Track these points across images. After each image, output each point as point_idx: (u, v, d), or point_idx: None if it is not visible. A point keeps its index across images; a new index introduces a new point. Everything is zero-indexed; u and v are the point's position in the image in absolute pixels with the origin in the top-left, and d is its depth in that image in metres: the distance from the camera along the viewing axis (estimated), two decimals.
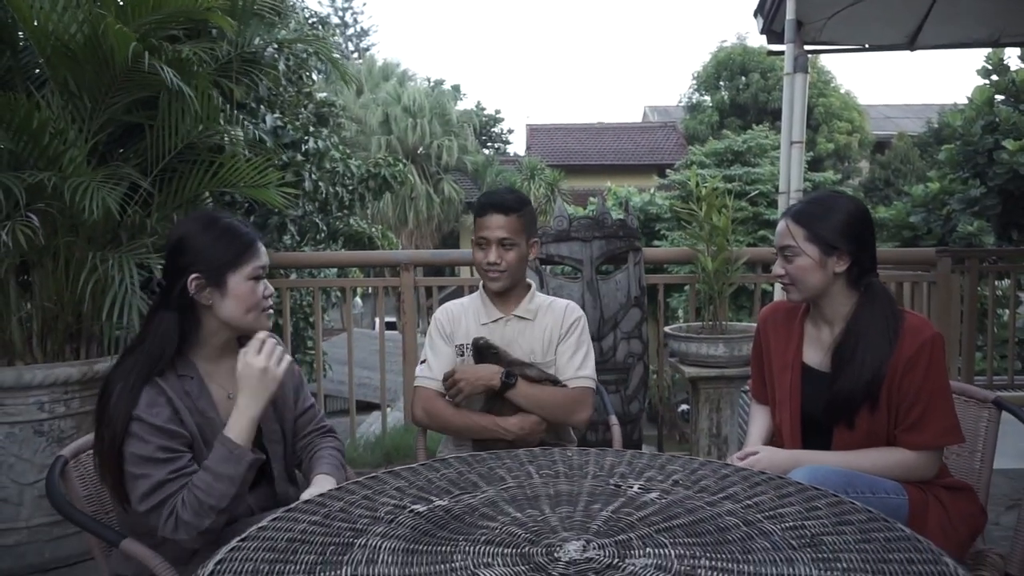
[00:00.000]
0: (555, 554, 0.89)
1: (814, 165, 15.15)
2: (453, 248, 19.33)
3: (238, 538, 0.96)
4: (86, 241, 2.69)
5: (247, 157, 3.08)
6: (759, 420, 1.79)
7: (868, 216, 1.60)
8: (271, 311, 1.50)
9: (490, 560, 0.88)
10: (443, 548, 0.92)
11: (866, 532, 0.94)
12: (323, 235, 5.28)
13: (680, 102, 21.64)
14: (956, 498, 1.53)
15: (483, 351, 1.81)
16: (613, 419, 2.08)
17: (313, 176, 4.66)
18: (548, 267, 3.11)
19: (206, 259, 1.40)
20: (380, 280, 3.60)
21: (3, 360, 2.68)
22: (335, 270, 6.39)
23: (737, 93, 18.50)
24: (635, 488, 1.12)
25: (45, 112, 2.50)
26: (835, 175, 12.95)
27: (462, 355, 1.94)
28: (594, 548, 0.90)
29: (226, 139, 3.04)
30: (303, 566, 0.87)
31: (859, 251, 1.55)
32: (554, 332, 1.94)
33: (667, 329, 3.29)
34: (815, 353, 1.63)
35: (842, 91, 18.33)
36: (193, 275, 1.38)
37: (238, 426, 1.34)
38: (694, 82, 19.98)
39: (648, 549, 0.90)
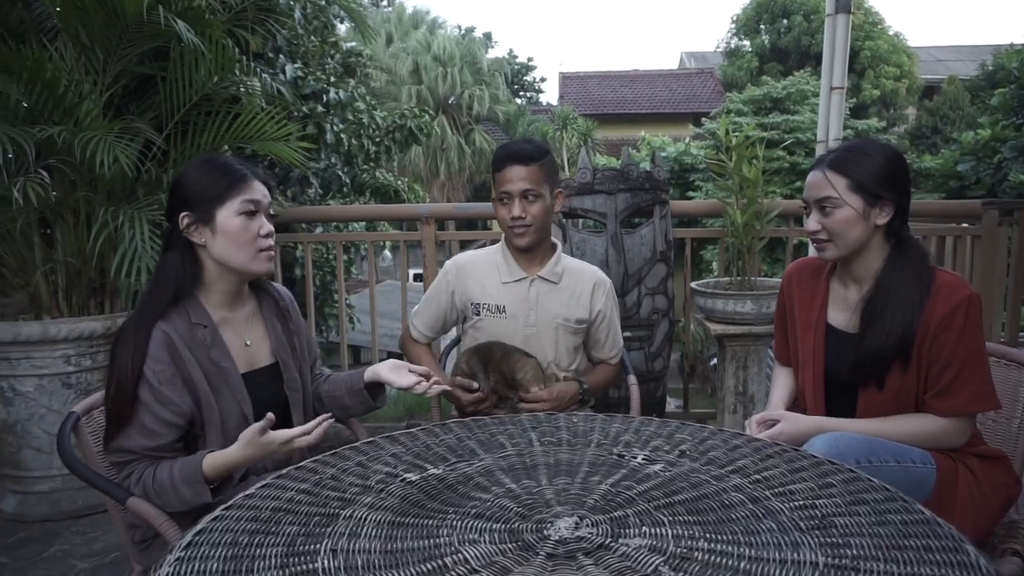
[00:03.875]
0: (545, 531, 0.85)
1: (858, 112, 14.58)
2: (485, 200, 19.22)
3: (222, 507, 0.93)
4: (105, 197, 2.68)
5: (264, 109, 3.02)
6: (781, 382, 1.72)
7: (905, 161, 1.49)
8: (270, 252, 1.44)
9: (476, 536, 0.84)
10: (430, 521, 0.88)
11: (882, 513, 0.87)
12: (348, 188, 5.23)
13: (718, 48, 20.89)
14: (988, 467, 1.44)
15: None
16: (632, 379, 2.03)
17: (336, 128, 4.58)
18: (570, 221, 3.02)
19: (195, 195, 1.38)
20: (401, 234, 3.55)
21: (31, 314, 2.72)
22: (363, 224, 6.35)
23: (778, 37, 17.77)
24: (639, 459, 1.07)
25: (58, 63, 2.46)
26: (879, 122, 12.44)
27: (478, 314, 1.89)
28: (587, 526, 0.85)
29: (242, 90, 2.98)
30: (284, 538, 0.84)
31: (902, 199, 1.44)
32: (582, 301, 1.91)
33: (694, 285, 3.20)
34: (840, 314, 1.54)
35: (891, 33, 17.46)
36: (183, 212, 1.37)
37: (218, 462, 1.28)
38: (733, 26, 19.23)
39: (644, 528, 0.85)
